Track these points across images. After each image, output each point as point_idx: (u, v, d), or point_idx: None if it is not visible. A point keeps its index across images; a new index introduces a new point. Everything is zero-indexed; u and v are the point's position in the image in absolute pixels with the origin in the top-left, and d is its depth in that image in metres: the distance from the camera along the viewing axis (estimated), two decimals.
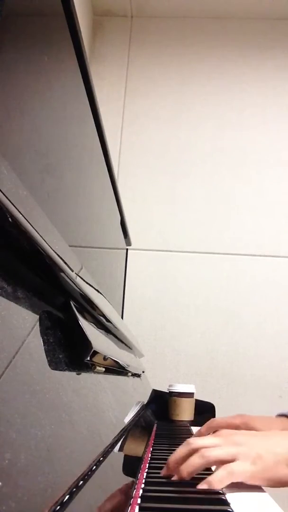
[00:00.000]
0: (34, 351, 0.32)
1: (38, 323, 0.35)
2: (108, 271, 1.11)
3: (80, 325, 0.43)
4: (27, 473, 0.22)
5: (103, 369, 0.53)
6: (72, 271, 0.44)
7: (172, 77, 2.16)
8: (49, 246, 0.36)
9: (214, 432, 0.89)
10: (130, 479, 0.45)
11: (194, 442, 0.51)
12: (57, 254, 0.38)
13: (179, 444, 0.53)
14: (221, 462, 0.48)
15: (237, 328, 1.92)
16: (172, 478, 0.49)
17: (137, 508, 0.38)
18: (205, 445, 0.50)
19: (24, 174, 0.43)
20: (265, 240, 1.99)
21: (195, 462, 0.49)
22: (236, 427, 0.73)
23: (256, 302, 1.94)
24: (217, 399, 1.65)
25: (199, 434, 0.77)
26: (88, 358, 0.43)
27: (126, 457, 0.51)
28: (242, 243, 1.99)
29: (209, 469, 0.52)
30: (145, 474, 0.50)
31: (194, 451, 0.50)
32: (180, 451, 0.51)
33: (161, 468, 0.55)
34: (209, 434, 0.77)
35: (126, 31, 2.23)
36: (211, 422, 0.74)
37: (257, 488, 0.49)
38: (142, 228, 2.00)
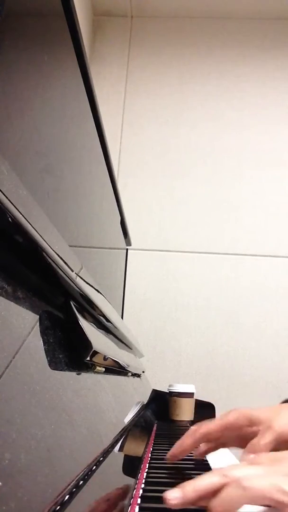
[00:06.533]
0: (34, 351, 0.32)
1: (38, 323, 0.35)
2: (108, 271, 1.11)
3: (80, 325, 0.43)
4: (27, 473, 0.22)
5: (103, 369, 0.53)
6: (72, 271, 0.44)
7: (172, 77, 2.16)
8: (49, 246, 0.36)
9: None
10: (130, 479, 0.45)
11: (229, 472, 0.35)
12: (57, 254, 0.38)
13: None
14: (269, 499, 0.34)
15: (237, 328, 1.92)
16: None
17: (137, 508, 0.38)
18: (246, 476, 0.35)
19: (24, 174, 0.43)
20: (265, 240, 1.99)
21: (232, 495, 0.34)
22: (231, 425, 0.53)
23: (256, 302, 1.94)
24: (217, 399, 1.65)
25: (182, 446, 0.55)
26: (88, 358, 0.43)
27: (126, 457, 0.51)
28: (242, 243, 1.99)
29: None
30: (145, 474, 0.50)
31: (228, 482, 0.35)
32: (211, 479, 0.36)
33: (161, 468, 0.54)
34: (195, 441, 0.54)
35: (126, 31, 2.23)
36: (198, 428, 0.53)
37: None
38: (142, 228, 2.00)
